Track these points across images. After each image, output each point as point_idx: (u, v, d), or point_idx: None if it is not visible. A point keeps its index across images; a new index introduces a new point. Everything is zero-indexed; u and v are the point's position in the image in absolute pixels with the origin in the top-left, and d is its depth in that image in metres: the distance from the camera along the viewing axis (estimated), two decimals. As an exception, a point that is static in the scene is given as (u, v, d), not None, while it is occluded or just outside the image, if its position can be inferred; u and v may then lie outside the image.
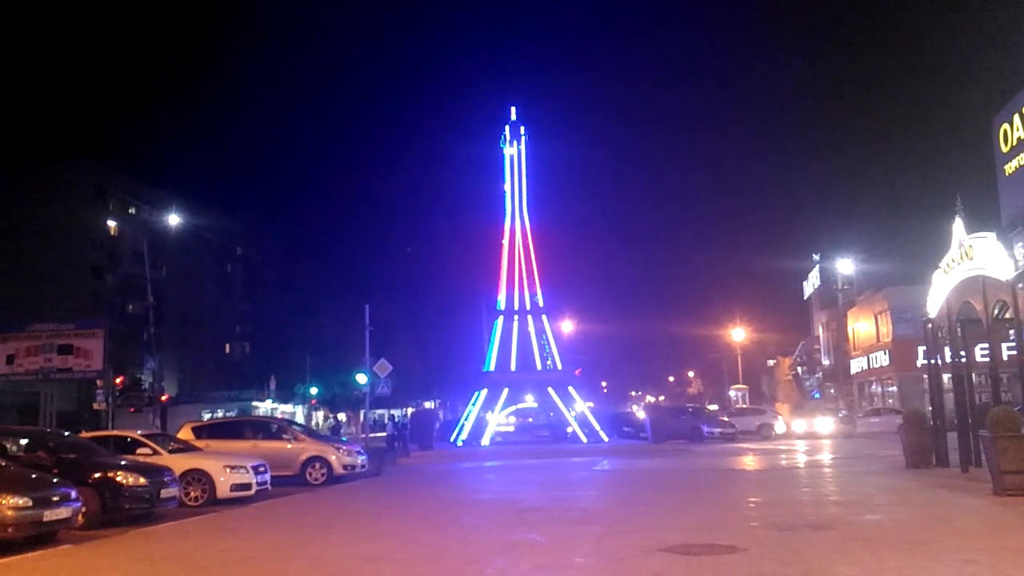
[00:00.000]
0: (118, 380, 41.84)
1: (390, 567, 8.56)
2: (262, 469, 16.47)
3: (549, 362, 40.24)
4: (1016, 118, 26.16)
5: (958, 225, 16.08)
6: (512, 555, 9.07)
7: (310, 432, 24.97)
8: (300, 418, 60.45)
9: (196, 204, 60.74)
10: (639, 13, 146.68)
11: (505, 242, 40.17)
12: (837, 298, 54.49)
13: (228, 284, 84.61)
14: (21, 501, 10.16)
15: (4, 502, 10.02)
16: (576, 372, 43.83)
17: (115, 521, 12.22)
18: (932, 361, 18.60)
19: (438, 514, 13.44)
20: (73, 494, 11.04)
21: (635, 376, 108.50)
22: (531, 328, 39.91)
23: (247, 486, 15.77)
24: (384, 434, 40.08)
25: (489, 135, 42.02)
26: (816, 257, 60.53)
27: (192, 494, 15.19)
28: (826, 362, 61.97)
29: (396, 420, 44.64)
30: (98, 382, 39.49)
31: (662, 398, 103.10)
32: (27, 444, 13.75)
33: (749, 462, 23.99)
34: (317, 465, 19.73)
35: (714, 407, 60.98)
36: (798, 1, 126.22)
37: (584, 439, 36.91)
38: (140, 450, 15.75)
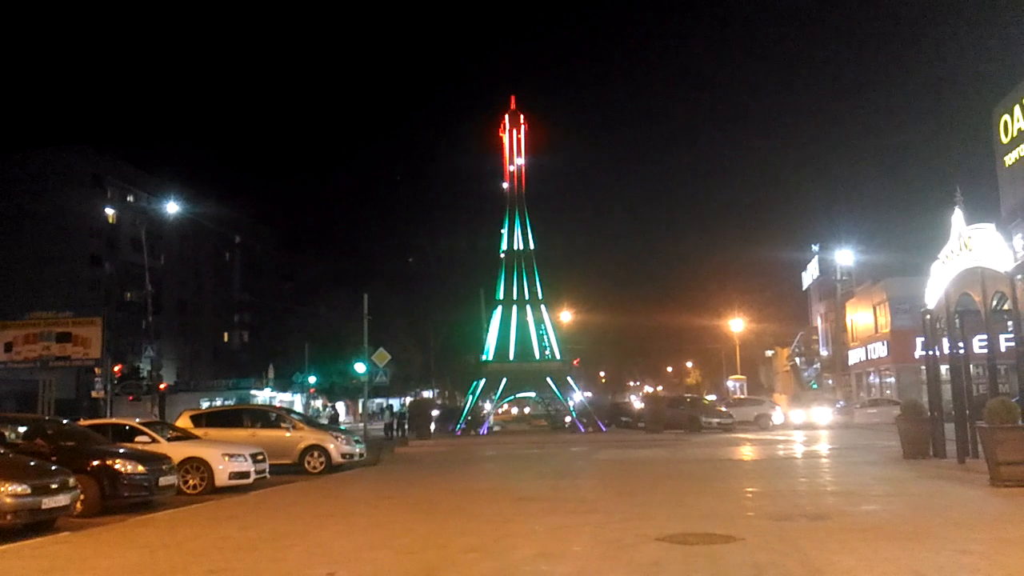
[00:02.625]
0: (116, 368, 41.92)
1: (389, 555, 8.57)
2: (260, 457, 16.49)
3: (547, 352, 40.30)
4: (1016, 109, 26.13)
5: (957, 216, 16.06)
6: (511, 543, 9.09)
7: (308, 421, 25.02)
8: (299, 407, 60.54)
9: (195, 192, 60.73)
10: (641, 5, 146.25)
11: (504, 231, 40.17)
12: (836, 289, 54.56)
13: (227, 272, 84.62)
14: (19, 488, 10.17)
15: (2, 489, 10.02)
16: (574, 362, 43.97)
17: (113, 509, 12.23)
18: (930, 352, 18.60)
19: (436, 503, 13.46)
20: (71, 482, 11.05)
21: (633, 366, 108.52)
22: (529, 318, 39.94)
23: (245, 474, 15.79)
24: (383, 423, 40.16)
25: (490, 123, 41.95)
26: (815, 248, 60.53)
27: (190, 482, 15.20)
28: (824, 353, 62.07)
29: (395, 409, 44.68)
30: (96, 370, 39.62)
31: (660, 388, 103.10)
32: (25, 432, 13.75)
33: (746, 452, 24.05)
34: (315, 454, 19.76)
35: (712, 397, 61.10)
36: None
37: (582, 429, 37.01)
38: (138, 438, 15.73)
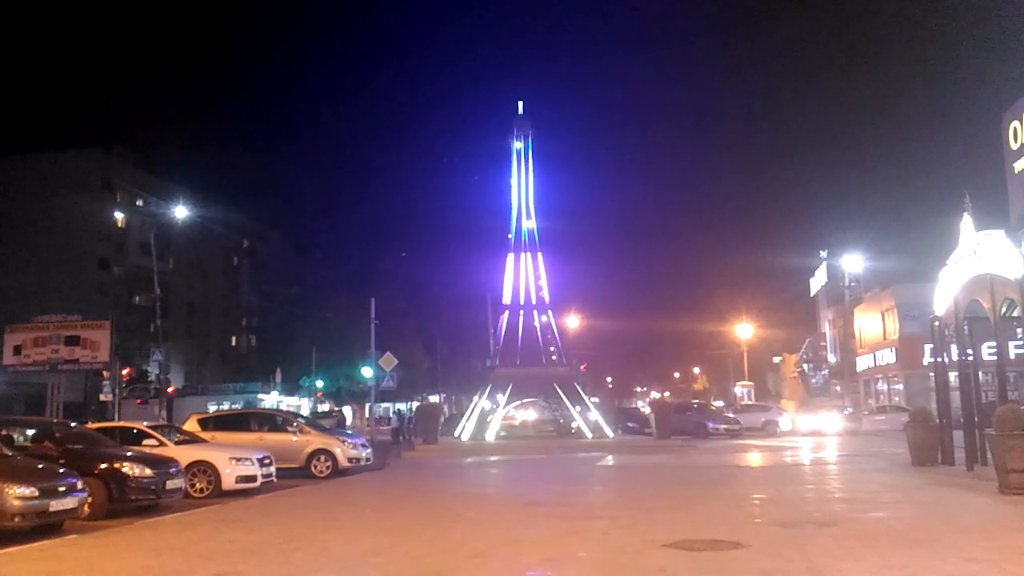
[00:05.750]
0: (125, 372, 42.03)
1: (395, 560, 8.57)
2: (267, 461, 16.51)
3: (554, 357, 40.23)
4: (1026, 115, 25.97)
5: (966, 222, 16.01)
6: (517, 549, 9.09)
7: (315, 425, 25.04)
8: (305, 411, 60.60)
9: (203, 197, 60.97)
10: (647, 9, 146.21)
11: (511, 236, 40.20)
12: (844, 295, 54.38)
13: (235, 276, 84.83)
14: (27, 491, 10.20)
15: (10, 492, 10.06)
16: (581, 367, 43.85)
17: (121, 512, 12.25)
18: (939, 359, 18.53)
19: (443, 508, 13.46)
20: (79, 485, 11.08)
21: (640, 372, 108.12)
22: (536, 323, 39.91)
23: (252, 478, 15.81)
24: (389, 427, 40.16)
25: (497, 128, 42.03)
26: (823, 254, 60.33)
27: (198, 485, 15.22)
28: (832, 359, 61.83)
29: (401, 413, 44.71)
30: (105, 373, 39.66)
31: (667, 394, 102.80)
32: (34, 435, 13.79)
33: (754, 459, 23.98)
34: (322, 458, 19.78)
35: (719, 403, 60.90)
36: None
37: (589, 434, 36.91)
38: (146, 441, 15.79)
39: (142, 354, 61.82)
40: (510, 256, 40.14)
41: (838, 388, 58.51)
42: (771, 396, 70.92)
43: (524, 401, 43.70)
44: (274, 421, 21.67)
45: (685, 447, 29.39)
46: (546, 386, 39.64)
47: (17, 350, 35.50)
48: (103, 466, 12.48)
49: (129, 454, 13.49)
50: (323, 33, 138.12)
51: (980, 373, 19.03)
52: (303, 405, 64.66)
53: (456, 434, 38.85)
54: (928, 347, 27.40)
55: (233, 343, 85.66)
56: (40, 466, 11.24)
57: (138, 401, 47.36)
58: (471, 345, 59.93)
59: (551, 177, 44.08)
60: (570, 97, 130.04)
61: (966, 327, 17.26)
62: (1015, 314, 15.37)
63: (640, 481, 17.92)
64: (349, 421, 61.17)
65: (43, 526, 10.50)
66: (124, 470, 12.55)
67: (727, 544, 8.75)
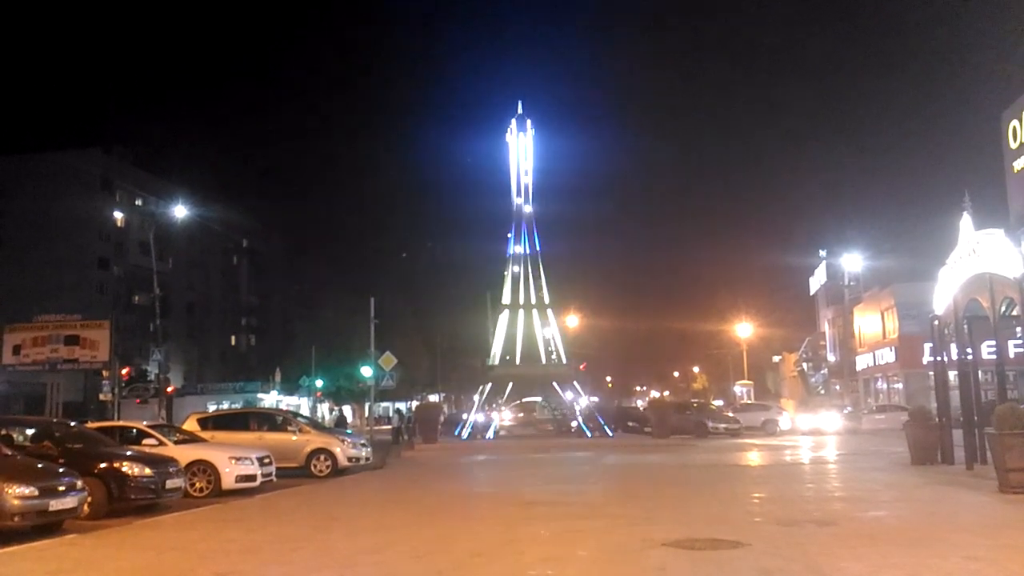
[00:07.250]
0: (124, 371, 42.03)
1: (395, 558, 8.57)
2: (267, 461, 16.51)
3: (554, 356, 40.22)
4: (1025, 114, 25.97)
5: (966, 221, 16.01)
6: (517, 548, 9.08)
7: (315, 424, 25.04)
8: (305, 410, 60.60)
9: (203, 196, 60.82)
10: (646, 9, 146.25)
11: (511, 235, 40.20)
12: (843, 294, 54.39)
13: (234, 276, 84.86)
14: (27, 490, 10.19)
15: (10, 491, 10.05)
16: (581, 367, 43.83)
17: (120, 511, 12.24)
18: (938, 358, 18.53)
19: (442, 506, 13.46)
20: (79, 484, 11.07)
21: (640, 371, 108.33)
22: (536, 322, 39.89)
23: (252, 477, 15.80)
24: (390, 427, 40.16)
25: (497, 127, 41.94)
26: (823, 253, 60.32)
27: (197, 485, 15.21)
28: (832, 358, 61.86)
29: (402, 413, 44.73)
30: (104, 373, 39.68)
31: (667, 393, 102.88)
32: (33, 434, 13.78)
33: (753, 458, 23.99)
34: (322, 457, 19.79)
35: (719, 403, 60.92)
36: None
37: (588, 433, 36.93)
38: (146, 441, 15.78)
39: (142, 354, 61.96)
40: (510, 256, 40.14)
41: (838, 387, 58.52)
42: (771, 395, 70.93)
43: (524, 400, 43.72)
44: (273, 420, 21.67)
45: (684, 446, 29.40)
46: (545, 385, 39.66)
47: (16, 350, 35.47)
48: (103, 465, 12.47)
49: (129, 453, 13.48)
50: (324, 32, 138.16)
51: (979, 372, 19.05)
52: (302, 404, 64.67)
53: (456, 433, 38.87)
54: (927, 346, 27.42)
55: (232, 342, 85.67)
56: (40, 465, 11.22)
57: (137, 401, 47.39)
58: (471, 344, 59.91)
59: (552, 176, 44.07)
60: (570, 96, 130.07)
61: (965, 326, 17.27)
62: (1014, 313, 15.39)
63: (639, 480, 17.92)
64: (349, 420, 61.15)
65: (43, 525, 10.49)
66: (124, 469, 12.53)
67: (727, 543, 8.75)
